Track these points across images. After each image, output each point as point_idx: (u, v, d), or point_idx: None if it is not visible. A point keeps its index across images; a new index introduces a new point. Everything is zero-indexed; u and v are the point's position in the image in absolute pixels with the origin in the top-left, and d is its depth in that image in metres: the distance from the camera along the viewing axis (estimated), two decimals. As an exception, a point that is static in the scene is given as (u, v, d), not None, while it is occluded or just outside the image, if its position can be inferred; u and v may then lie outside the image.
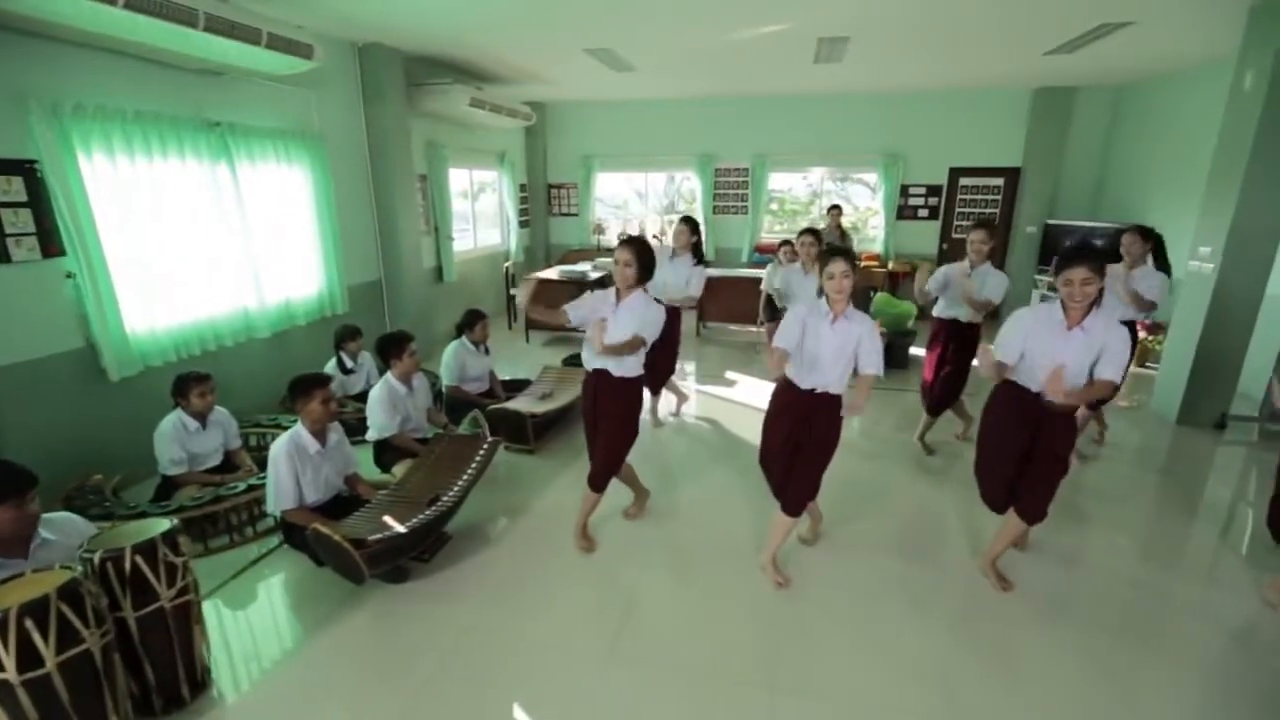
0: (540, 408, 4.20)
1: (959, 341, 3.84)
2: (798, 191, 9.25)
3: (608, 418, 2.99)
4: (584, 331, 2.90)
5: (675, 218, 5.40)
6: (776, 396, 2.80)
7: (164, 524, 2.09)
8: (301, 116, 4.82)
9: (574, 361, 5.02)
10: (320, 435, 2.99)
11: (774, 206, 9.28)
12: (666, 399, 4.85)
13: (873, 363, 2.56)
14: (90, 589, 1.80)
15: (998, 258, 8.06)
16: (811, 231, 4.41)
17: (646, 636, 2.52)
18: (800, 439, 2.69)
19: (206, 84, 4.03)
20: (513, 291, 7.52)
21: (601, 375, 2.96)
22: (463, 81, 6.38)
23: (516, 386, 4.76)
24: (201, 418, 3.38)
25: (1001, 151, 7.83)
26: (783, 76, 6.80)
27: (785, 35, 5.03)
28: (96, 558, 1.90)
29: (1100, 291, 2.37)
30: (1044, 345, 2.44)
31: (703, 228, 8.63)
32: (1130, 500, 3.68)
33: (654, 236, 8.79)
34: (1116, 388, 2.52)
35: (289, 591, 2.86)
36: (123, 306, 3.54)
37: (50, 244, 3.27)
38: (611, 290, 2.93)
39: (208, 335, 4.11)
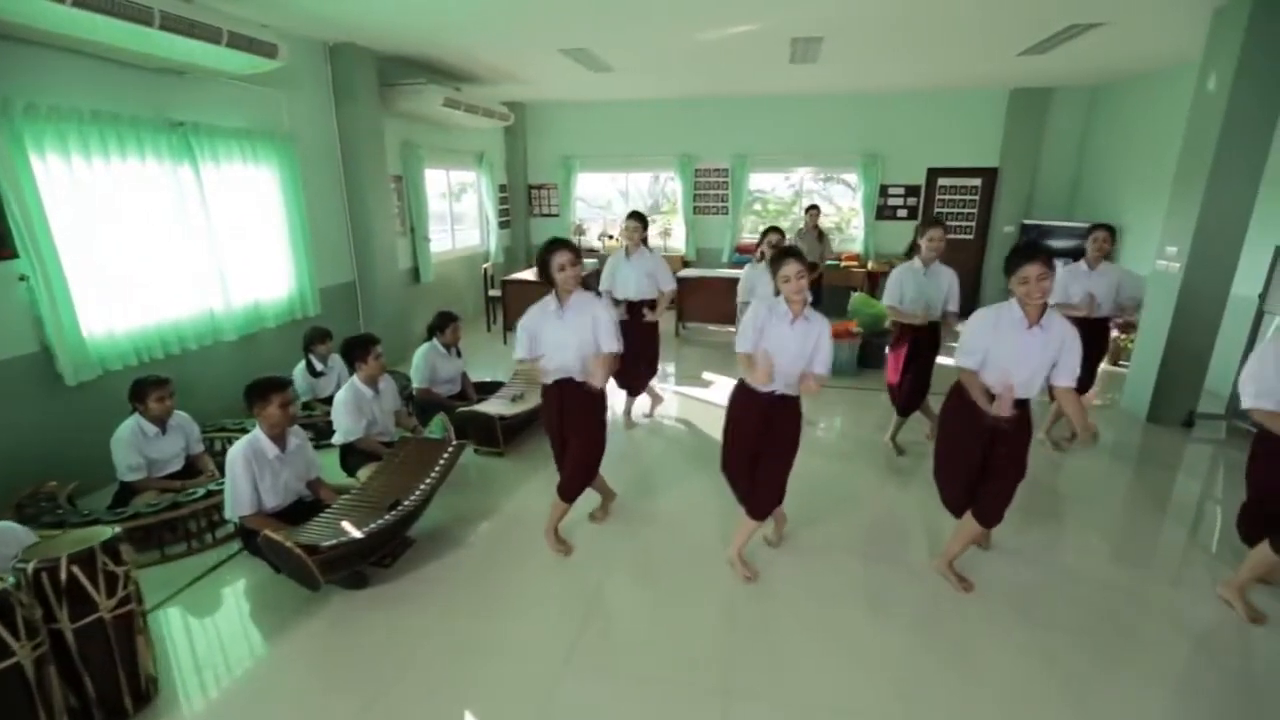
0: (511, 410, 4.17)
1: (923, 341, 3.86)
2: (781, 192, 9.27)
3: (578, 431, 2.93)
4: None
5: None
6: (734, 402, 2.75)
7: (106, 532, 2.05)
8: (270, 116, 4.76)
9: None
10: (279, 440, 2.94)
11: (757, 207, 9.30)
12: (642, 399, 4.83)
13: (823, 362, 2.56)
14: (21, 600, 1.76)
15: (976, 258, 8.13)
16: (776, 230, 4.40)
17: (606, 642, 2.50)
18: (761, 443, 2.67)
19: (168, 83, 3.97)
20: (492, 292, 7.48)
21: (566, 386, 2.88)
22: (438, 81, 6.33)
23: (489, 389, 4.73)
24: (161, 423, 3.32)
25: (979, 152, 7.89)
26: (761, 77, 6.80)
27: (758, 35, 5.03)
28: (30, 568, 1.86)
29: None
30: (1006, 345, 2.43)
31: (683, 228, 8.78)
32: (1097, 498, 3.71)
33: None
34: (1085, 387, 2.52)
35: (247, 598, 2.81)
36: (79, 310, 3.47)
37: (3, 247, 3.20)
38: (548, 299, 2.84)
39: (171, 338, 4.04)
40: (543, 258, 2.77)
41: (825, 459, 4.18)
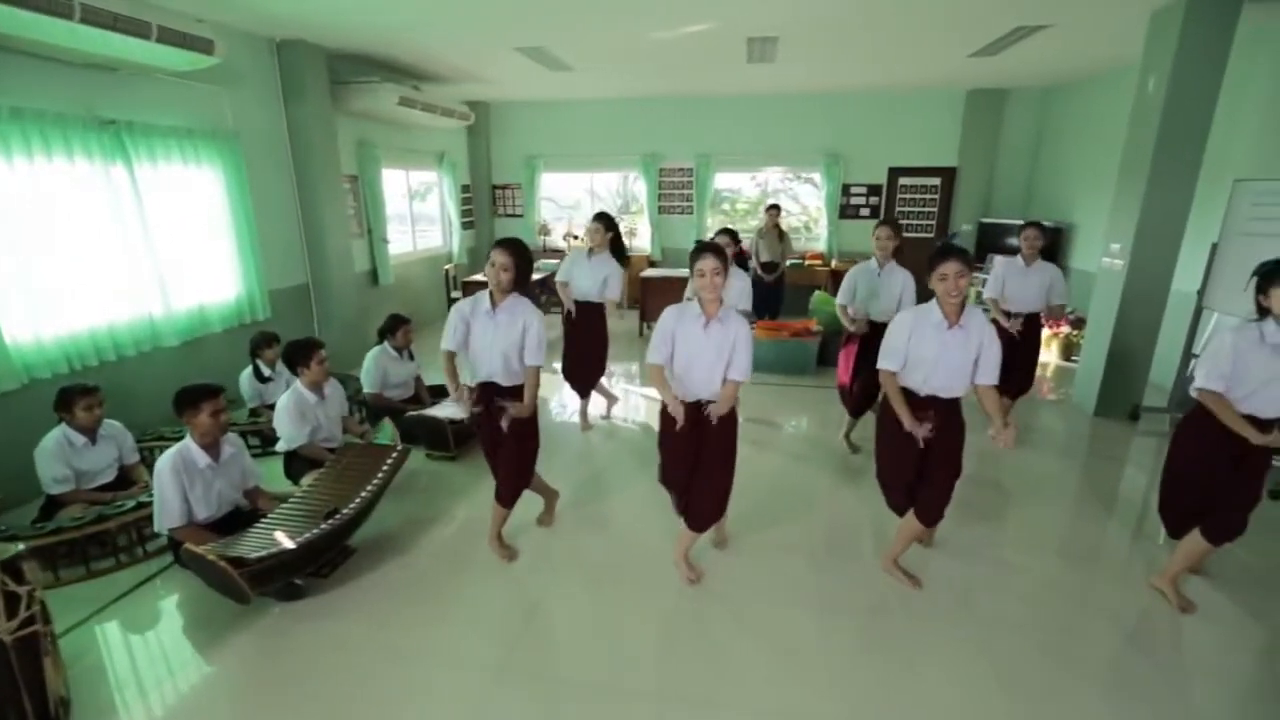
0: (463, 413, 4.09)
1: (872, 343, 3.86)
2: (748, 191, 9.29)
3: (509, 434, 2.79)
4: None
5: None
6: (664, 412, 2.60)
7: (8, 550, 1.95)
8: (212, 115, 4.61)
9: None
10: (212, 449, 2.85)
11: (726, 207, 9.32)
12: (597, 401, 4.80)
13: (739, 368, 2.44)
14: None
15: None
16: (729, 231, 4.41)
17: (543, 649, 2.46)
18: (696, 454, 2.60)
19: (99, 80, 3.82)
20: (454, 295, 7.37)
21: (490, 389, 2.79)
22: (394, 80, 6.23)
23: (444, 392, 4.64)
24: (90, 432, 3.20)
25: (938, 152, 7.99)
26: (721, 77, 6.81)
27: (713, 35, 5.03)
28: (-82, 590, 1.76)
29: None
30: (927, 347, 2.44)
31: (648, 228, 8.76)
32: (1044, 493, 3.75)
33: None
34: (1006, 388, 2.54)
35: (181, 612, 2.72)
36: (1, 315, 3.33)
37: (-85, 250, 3.05)
38: (484, 294, 2.75)
39: (106, 345, 3.89)
40: (488, 254, 2.73)
41: (780, 458, 4.18)
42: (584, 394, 4.61)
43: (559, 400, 5.19)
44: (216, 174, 4.62)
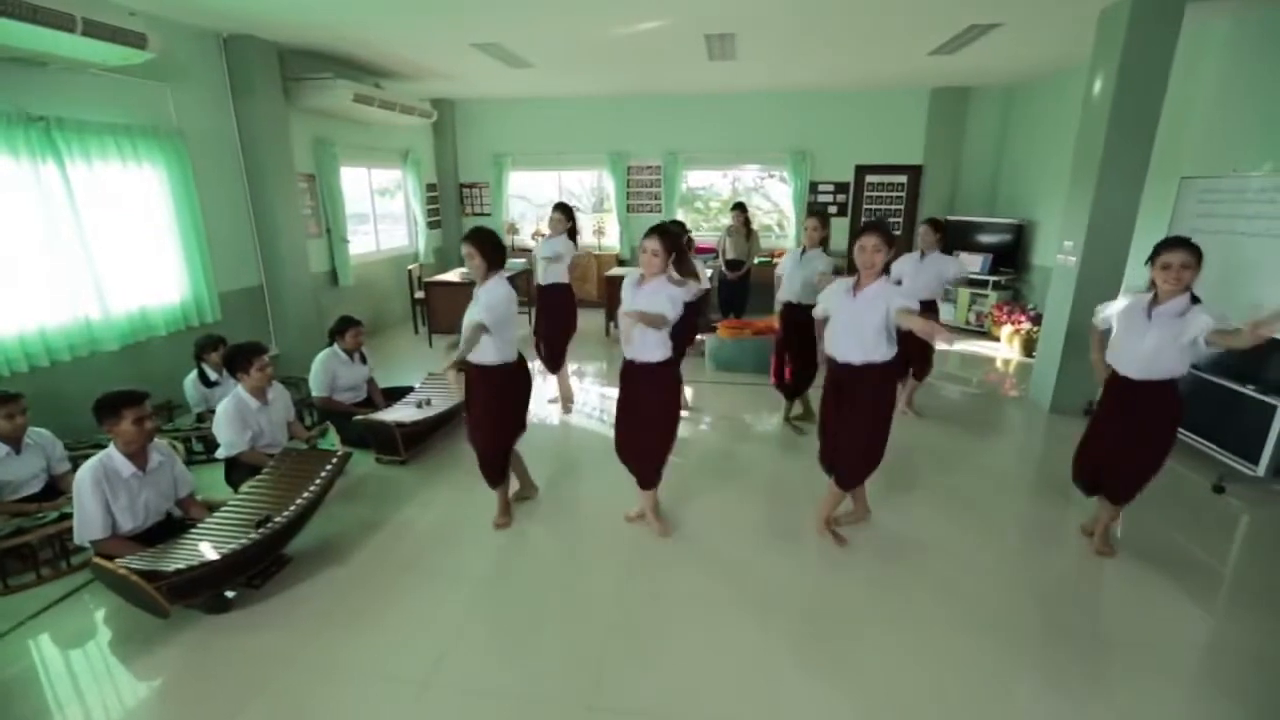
0: (413, 416, 4.02)
1: (802, 324, 3.95)
2: (720, 188, 9.27)
3: (478, 412, 3.11)
4: None
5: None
6: (621, 373, 3.03)
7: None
8: (153, 111, 4.47)
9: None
10: (137, 457, 2.75)
11: (699, 205, 9.29)
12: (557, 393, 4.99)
13: (659, 306, 2.78)
14: None
15: (903, 253, 8.27)
16: (678, 223, 4.72)
17: (473, 658, 2.40)
18: (633, 412, 2.98)
19: (27, 75, 3.68)
20: (418, 295, 7.26)
21: (470, 367, 3.06)
22: (353, 77, 6.10)
23: (399, 394, 4.56)
24: (13, 442, 3.08)
25: (904, 150, 8.03)
26: (686, 75, 6.77)
27: (669, 31, 4.98)
28: None
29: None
30: (841, 311, 2.76)
31: (616, 226, 8.70)
32: (1001, 488, 3.75)
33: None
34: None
35: (108, 626, 2.61)
36: (-82, 321, 3.20)
37: None
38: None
39: (37, 349, 3.76)
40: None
41: (729, 444, 4.28)
42: (555, 369, 4.91)
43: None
44: (159, 172, 4.48)
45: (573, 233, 4.80)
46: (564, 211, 4.76)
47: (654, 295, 2.82)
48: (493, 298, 2.90)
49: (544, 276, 4.74)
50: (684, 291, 2.89)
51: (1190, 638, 2.54)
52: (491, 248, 2.95)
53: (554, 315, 4.84)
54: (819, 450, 3.05)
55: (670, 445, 3.08)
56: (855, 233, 2.70)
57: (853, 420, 2.81)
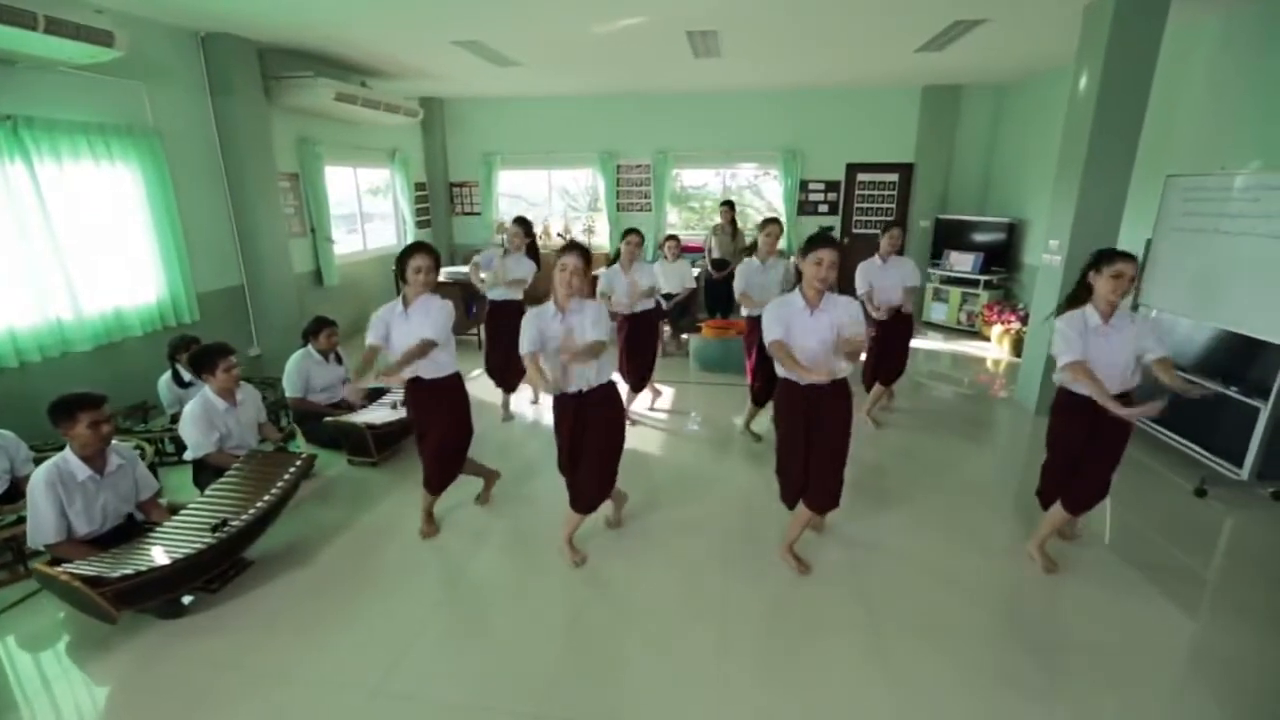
0: (385, 418, 3.99)
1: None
2: (713, 187, 9.22)
3: (435, 425, 3.01)
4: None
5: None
6: (555, 403, 2.79)
7: None
8: (127, 110, 4.44)
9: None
10: (94, 461, 2.72)
11: (694, 204, 9.24)
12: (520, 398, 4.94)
13: (586, 333, 2.61)
14: None
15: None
16: (635, 231, 4.56)
17: (426, 665, 2.35)
18: (577, 439, 2.75)
19: (-8, 73, 3.65)
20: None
21: (417, 383, 2.98)
22: (338, 75, 6.06)
23: (374, 395, 4.51)
24: (-27, 444, 3.05)
25: (895, 148, 7.96)
26: (673, 73, 6.72)
27: (650, 28, 4.93)
28: None
29: None
30: (796, 328, 2.55)
31: (605, 225, 8.66)
32: (968, 491, 3.70)
33: (546, 233, 8.63)
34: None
35: (65, 631, 2.57)
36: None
37: None
38: (397, 301, 2.95)
39: (5, 350, 3.73)
40: (400, 260, 2.90)
41: (691, 450, 4.24)
42: (508, 387, 4.75)
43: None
44: (133, 172, 4.44)
45: (532, 248, 4.59)
46: (523, 226, 4.56)
47: (579, 320, 2.61)
48: (443, 314, 2.89)
49: (501, 294, 4.48)
50: (598, 307, 2.69)
51: (1170, 642, 2.49)
52: (437, 263, 2.98)
53: (509, 335, 4.61)
54: (781, 488, 2.85)
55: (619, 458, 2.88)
56: (808, 244, 2.53)
57: (833, 438, 2.63)
